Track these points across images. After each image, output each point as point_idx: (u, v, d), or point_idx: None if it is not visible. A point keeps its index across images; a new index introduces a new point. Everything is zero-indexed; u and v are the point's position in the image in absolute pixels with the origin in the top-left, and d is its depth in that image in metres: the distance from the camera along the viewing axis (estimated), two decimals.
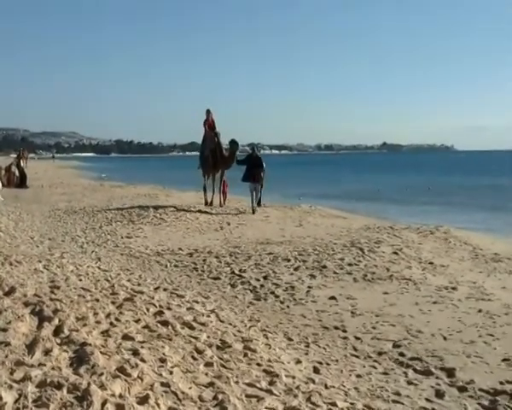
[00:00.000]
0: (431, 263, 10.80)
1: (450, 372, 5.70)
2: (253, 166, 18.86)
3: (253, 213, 18.41)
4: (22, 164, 27.52)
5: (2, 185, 31.48)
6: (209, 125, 20.66)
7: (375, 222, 17.37)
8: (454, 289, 9.04)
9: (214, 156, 20.04)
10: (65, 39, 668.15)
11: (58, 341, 4.80)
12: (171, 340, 5.26)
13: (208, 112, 20.75)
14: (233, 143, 20.32)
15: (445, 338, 6.78)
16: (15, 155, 29.30)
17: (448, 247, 12.71)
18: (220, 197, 20.30)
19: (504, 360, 6.03)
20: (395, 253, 11.53)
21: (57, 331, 5.03)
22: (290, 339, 6.60)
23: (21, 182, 29.03)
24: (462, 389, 5.33)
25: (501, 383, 5.45)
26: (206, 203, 20.37)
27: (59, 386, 3.85)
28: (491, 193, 32.80)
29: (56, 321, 5.26)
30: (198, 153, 21.87)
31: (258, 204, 19.06)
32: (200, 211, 18.83)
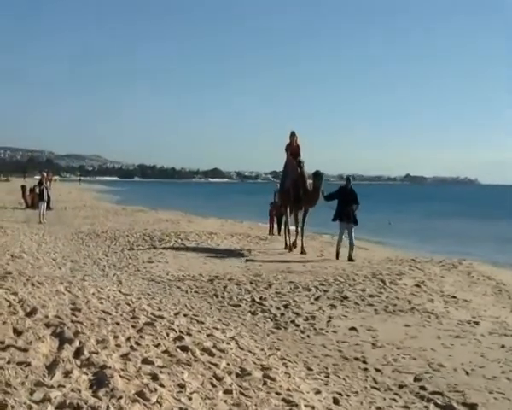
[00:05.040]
0: (453, 297, 10.67)
1: (472, 408, 5.61)
2: (347, 201, 15.45)
3: (349, 259, 15.06)
4: (47, 185, 27.68)
5: (27, 206, 32.00)
6: (292, 150, 17.50)
7: (397, 254, 17.25)
8: (477, 323, 8.91)
9: (296, 190, 16.64)
10: (93, 60, 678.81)
11: (78, 363, 4.81)
12: (190, 366, 5.24)
13: (293, 135, 17.60)
14: (317, 175, 16.29)
15: (467, 373, 6.67)
16: (39, 177, 29.56)
17: (471, 281, 12.56)
18: (302, 242, 16.69)
19: None
20: (417, 285, 11.42)
21: (77, 353, 5.04)
22: (310, 369, 6.54)
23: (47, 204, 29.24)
24: None
25: None
26: (286, 246, 17.20)
27: (78, 408, 3.86)
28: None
29: (77, 343, 5.28)
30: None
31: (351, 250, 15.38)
32: (221, 237, 18.87)
